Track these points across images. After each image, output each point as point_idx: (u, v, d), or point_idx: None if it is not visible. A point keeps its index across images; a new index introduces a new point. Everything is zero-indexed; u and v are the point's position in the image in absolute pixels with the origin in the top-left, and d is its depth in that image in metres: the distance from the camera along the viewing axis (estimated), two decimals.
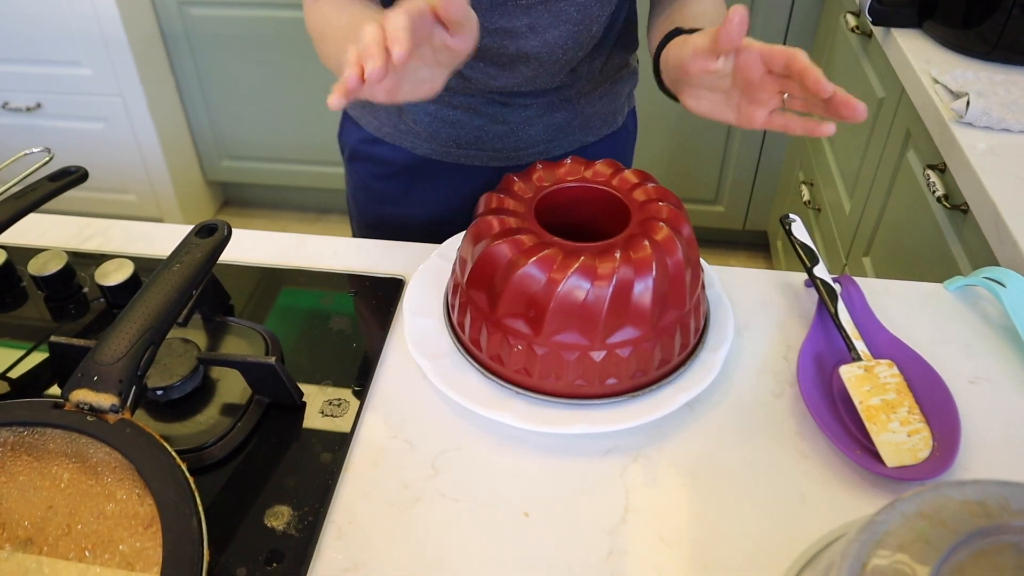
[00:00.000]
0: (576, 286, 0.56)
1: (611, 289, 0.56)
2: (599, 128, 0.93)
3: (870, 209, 1.39)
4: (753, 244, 2.28)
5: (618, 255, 0.57)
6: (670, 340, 0.61)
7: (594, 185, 0.66)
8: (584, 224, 0.67)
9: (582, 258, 0.57)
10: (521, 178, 0.66)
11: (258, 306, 0.76)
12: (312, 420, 0.63)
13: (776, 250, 2.08)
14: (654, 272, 0.57)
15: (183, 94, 2.19)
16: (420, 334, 0.66)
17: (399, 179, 0.93)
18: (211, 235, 0.61)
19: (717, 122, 2.00)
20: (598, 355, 0.58)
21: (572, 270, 0.56)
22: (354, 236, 1.04)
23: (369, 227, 1.00)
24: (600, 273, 0.56)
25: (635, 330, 0.58)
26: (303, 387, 0.65)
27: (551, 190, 0.65)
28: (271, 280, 0.78)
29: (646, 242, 0.58)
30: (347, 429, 0.62)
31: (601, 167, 0.67)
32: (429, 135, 0.88)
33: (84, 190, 2.25)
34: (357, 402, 0.64)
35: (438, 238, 0.79)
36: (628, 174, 0.67)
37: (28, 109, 2.10)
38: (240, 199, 2.53)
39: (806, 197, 1.75)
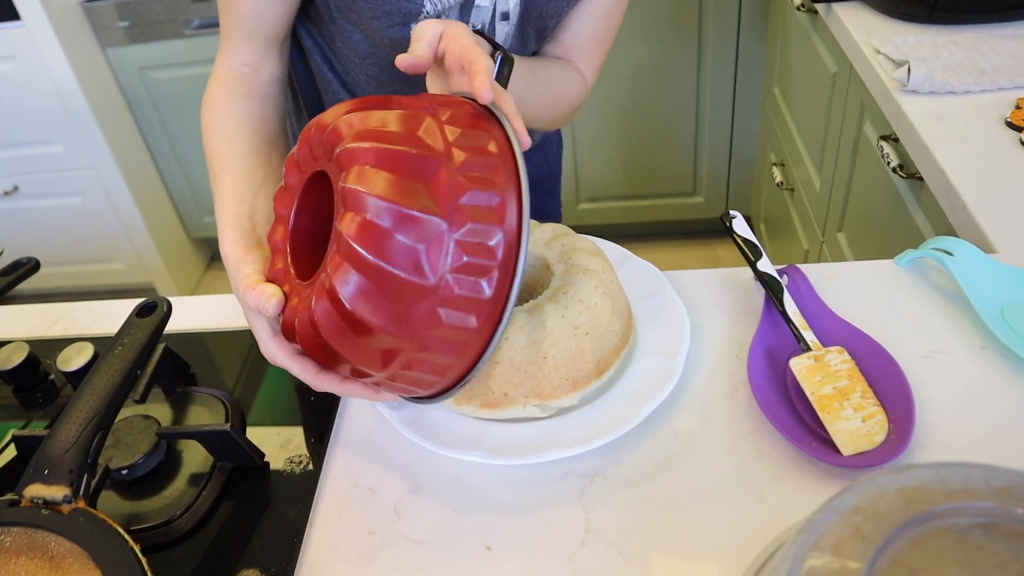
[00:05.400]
0: (323, 316, 0.48)
1: (324, 308, 0.48)
2: None
3: (838, 184, 1.39)
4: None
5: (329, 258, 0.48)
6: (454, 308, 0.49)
7: (313, 170, 0.54)
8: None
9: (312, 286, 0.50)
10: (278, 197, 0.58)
11: (224, 370, 0.76)
12: (276, 479, 0.64)
13: (760, 233, 2.08)
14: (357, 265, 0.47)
15: (155, 157, 2.22)
16: None
17: None
18: (151, 313, 0.62)
19: (685, 115, 2.02)
20: (416, 354, 0.50)
21: (311, 307, 0.49)
22: None
23: None
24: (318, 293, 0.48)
25: (389, 330, 0.48)
26: (266, 445, 0.66)
27: (296, 202, 0.56)
28: (228, 343, 0.79)
29: (339, 225, 0.47)
30: (310, 483, 0.62)
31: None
32: None
33: (72, 264, 2.28)
34: (319, 455, 0.65)
35: None
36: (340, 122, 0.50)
37: (6, 193, 2.13)
38: None
39: (778, 179, 1.75)
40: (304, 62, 0.85)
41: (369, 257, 0.46)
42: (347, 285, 0.47)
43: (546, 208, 1.09)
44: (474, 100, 0.54)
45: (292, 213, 0.56)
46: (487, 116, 0.52)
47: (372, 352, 0.50)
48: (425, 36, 0.56)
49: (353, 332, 0.48)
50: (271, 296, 0.53)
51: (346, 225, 0.46)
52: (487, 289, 0.48)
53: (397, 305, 0.47)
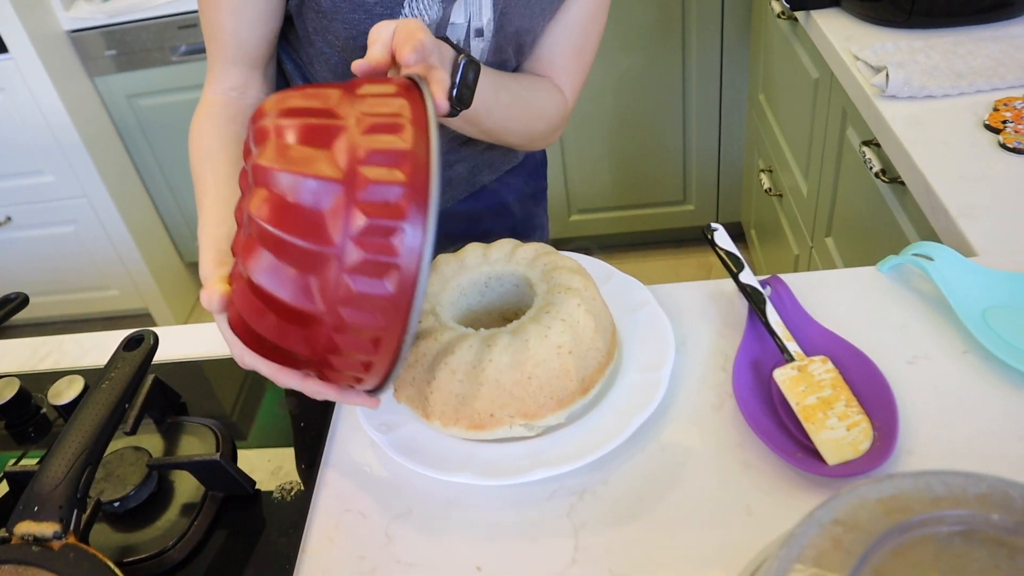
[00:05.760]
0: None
1: (240, 289, 0.49)
2: (499, 165, 0.94)
3: (824, 190, 1.40)
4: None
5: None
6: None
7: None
8: None
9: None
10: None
11: (215, 399, 0.77)
12: (268, 505, 0.64)
13: (751, 239, 2.09)
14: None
15: (147, 183, 2.22)
16: (370, 409, 0.66)
17: None
18: (139, 346, 0.62)
19: (672, 124, 2.03)
20: (336, 333, 0.49)
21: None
22: None
23: None
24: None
25: (300, 303, 0.48)
26: (257, 472, 0.66)
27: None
28: (225, 370, 0.79)
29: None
30: (301, 509, 0.63)
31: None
32: None
33: (66, 293, 2.29)
34: (310, 480, 0.65)
35: None
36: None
37: None
38: None
39: (767, 185, 1.76)
40: (285, 85, 0.86)
41: (270, 229, 0.46)
42: (254, 260, 0.47)
43: (533, 221, 1.09)
44: (407, 78, 0.53)
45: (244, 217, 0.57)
46: (409, 87, 0.51)
47: (292, 332, 0.49)
48: (380, 39, 0.56)
49: (268, 309, 0.48)
50: (215, 293, 0.53)
51: (251, 201, 0.47)
52: (397, 250, 0.47)
53: (304, 276, 0.46)
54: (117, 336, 0.86)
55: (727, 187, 2.14)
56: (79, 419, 0.57)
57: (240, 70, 0.75)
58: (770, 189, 1.74)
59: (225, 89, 0.75)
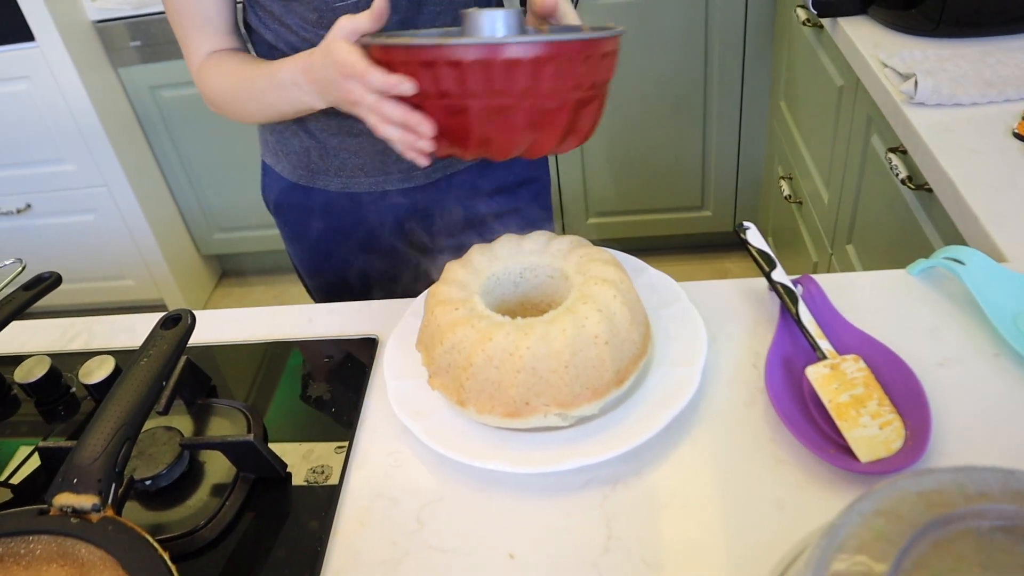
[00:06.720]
0: None
1: None
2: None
3: (846, 197, 1.40)
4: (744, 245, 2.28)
5: None
6: None
7: None
8: None
9: None
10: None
11: (240, 383, 0.77)
12: (298, 489, 0.64)
13: (769, 246, 2.08)
14: None
15: (166, 175, 2.24)
16: (403, 396, 0.67)
17: (326, 220, 0.97)
18: (176, 325, 0.63)
19: (692, 129, 2.03)
20: None
21: None
22: (311, 297, 1.08)
23: (317, 285, 1.05)
24: None
25: None
26: (288, 456, 0.67)
27: None
28: (250, 356, 0.80)
29: None
30: (332, 494, 0.63)
31: None
32: (337, 168, 0.93)
33: (83, 281, 2.30)
34: (340, 465, 0.65)
35: (376, 280, 0.89)
36: None
37: (18, 211, 2.15)
38: (237, 269, 2.56)
39: (786, 192, 1.76)
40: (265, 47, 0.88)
41: None
42: None
43: (533, 215, 1.06)
44: None
45: None
46: None
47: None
48: None
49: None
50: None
51: None
52: None
53: None
54: (146, 319, 0.86)
55: (745, 194, 2.14)
56: (118, 394, 0.58)
57: (214, 37, 0.84)
58: (790, 196, 1.74)
59: (208, 52, 0.84)
